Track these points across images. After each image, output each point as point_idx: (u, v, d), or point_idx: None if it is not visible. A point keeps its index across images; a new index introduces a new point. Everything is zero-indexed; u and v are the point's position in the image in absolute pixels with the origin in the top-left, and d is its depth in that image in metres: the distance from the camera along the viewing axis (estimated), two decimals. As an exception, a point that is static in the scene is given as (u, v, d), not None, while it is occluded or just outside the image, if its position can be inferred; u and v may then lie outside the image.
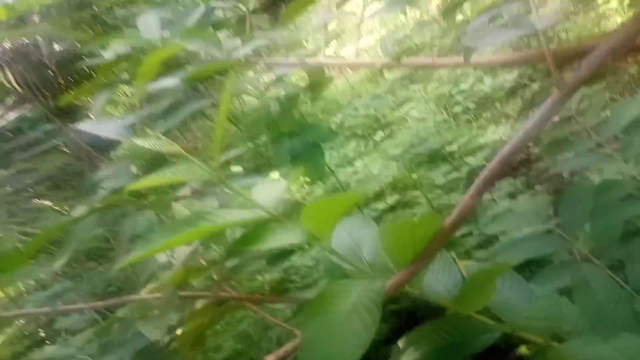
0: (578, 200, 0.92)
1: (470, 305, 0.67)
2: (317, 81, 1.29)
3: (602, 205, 0.88)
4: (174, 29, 1.20)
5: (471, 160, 2.19)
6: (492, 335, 0.70)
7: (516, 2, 0.63)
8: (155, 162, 0.87)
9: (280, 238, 0.57)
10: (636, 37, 0.57)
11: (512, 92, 2.66)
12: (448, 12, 0.95)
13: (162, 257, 0.70)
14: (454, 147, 2.35)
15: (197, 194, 0.82)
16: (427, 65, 1.01)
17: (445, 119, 2.66)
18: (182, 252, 0.66)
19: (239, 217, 0.58)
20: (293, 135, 1.38)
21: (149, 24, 1.24)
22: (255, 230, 0.57)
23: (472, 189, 0.61)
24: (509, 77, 2.66)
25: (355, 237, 0.69)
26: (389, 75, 3.29)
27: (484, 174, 0.60)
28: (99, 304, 1.03)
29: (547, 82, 2.48)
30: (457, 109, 2.70)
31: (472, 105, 2.65)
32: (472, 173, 2.16)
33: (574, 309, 0.74)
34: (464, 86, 2.72)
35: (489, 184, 0.61)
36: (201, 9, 1.22)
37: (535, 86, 2.61)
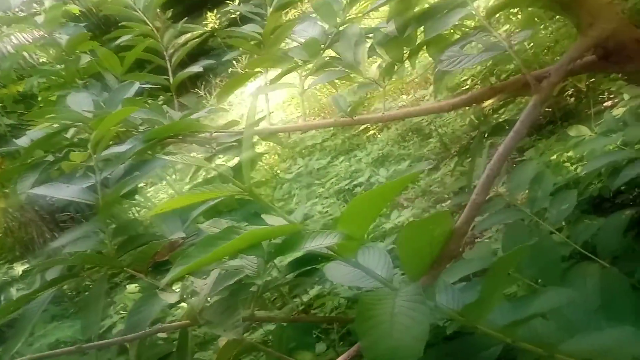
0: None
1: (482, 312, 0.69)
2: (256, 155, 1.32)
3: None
4: (110, 104, 1.18)
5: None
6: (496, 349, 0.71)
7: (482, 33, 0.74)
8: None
9: (317, 242, 0.57)
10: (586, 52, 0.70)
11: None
12: (388, 71, 1.06)
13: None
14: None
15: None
16: (377, 119, 1.09)
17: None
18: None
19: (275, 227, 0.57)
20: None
21: (79, 102, 1.21)
22: (293, 236, 0.56)
23: (479, 187, 0.66)
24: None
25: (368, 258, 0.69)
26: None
27: (486, 173, 0.66)
28: None
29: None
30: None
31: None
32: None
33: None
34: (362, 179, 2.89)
35: (491, 182, 0.67)
36: (135, 85, 1.22)
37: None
